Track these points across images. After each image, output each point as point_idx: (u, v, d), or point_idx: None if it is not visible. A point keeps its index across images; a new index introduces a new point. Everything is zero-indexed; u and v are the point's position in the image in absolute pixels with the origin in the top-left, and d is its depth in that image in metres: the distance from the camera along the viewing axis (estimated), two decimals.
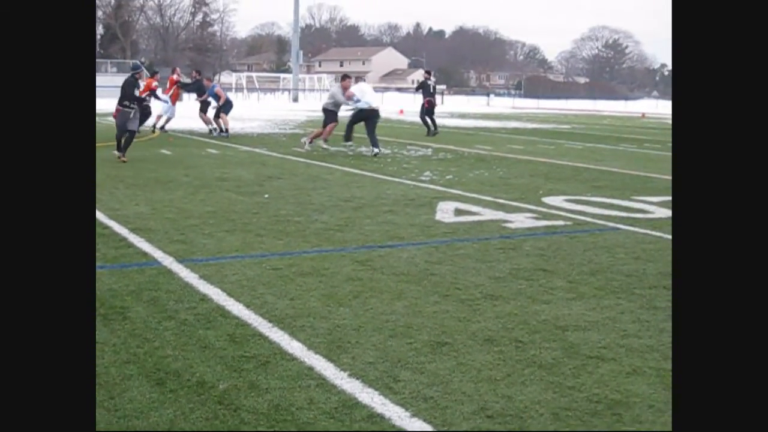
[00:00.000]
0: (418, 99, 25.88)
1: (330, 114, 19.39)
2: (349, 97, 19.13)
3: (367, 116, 19.26)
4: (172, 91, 24.51)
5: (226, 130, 23.64)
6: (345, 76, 19.88)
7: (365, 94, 19.36)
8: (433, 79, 27.18)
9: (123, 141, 15.85)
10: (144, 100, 16.66)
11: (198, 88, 24.46)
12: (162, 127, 24.37)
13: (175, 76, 24.91)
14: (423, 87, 26.37)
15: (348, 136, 19.75)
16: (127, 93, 15.89)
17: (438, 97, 33.56)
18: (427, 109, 25.75)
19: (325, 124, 19.44)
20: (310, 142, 19.63)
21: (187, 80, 25.83)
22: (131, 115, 15.88)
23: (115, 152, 15.72)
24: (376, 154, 18.39)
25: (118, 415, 3.93)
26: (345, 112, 20.02)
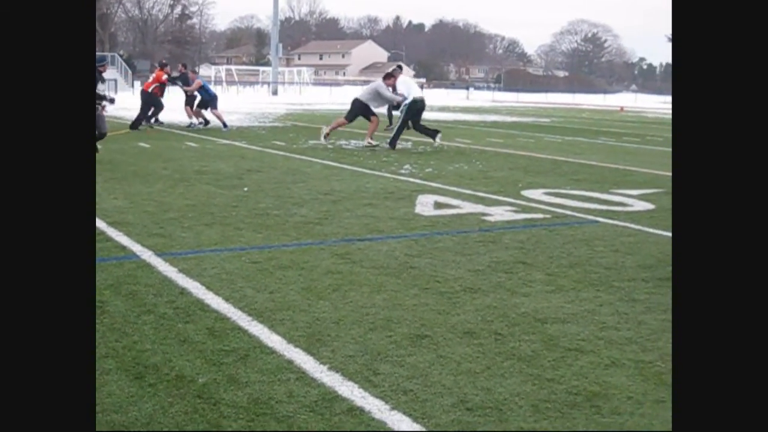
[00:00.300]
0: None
1: (356, 109, 18.62)
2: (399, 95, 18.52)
3: (419, 109, 18.84)
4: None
5: (225, 125, 23.54)
6: (390, 74, 18.95)
7: (411, 87, 18.90)
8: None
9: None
10: (104, 97, 15.35)
11: (184, 81, 24.48)
12: (156, 119, 24.53)
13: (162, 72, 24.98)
14: None
15: (426, 131, 19.03)
16: None
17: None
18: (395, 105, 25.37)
19: (347, 116, 18.72)
20: (371, 140, 18.81)
21: (175, 73, 25.77)
22: (98, 113, 14.39)
23: None
24: (437, 144, 18.34)
25: (96, 409, 3.90)
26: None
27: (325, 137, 18.65)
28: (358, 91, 20.44)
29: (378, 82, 18.87)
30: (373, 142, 18.49)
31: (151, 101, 23.62)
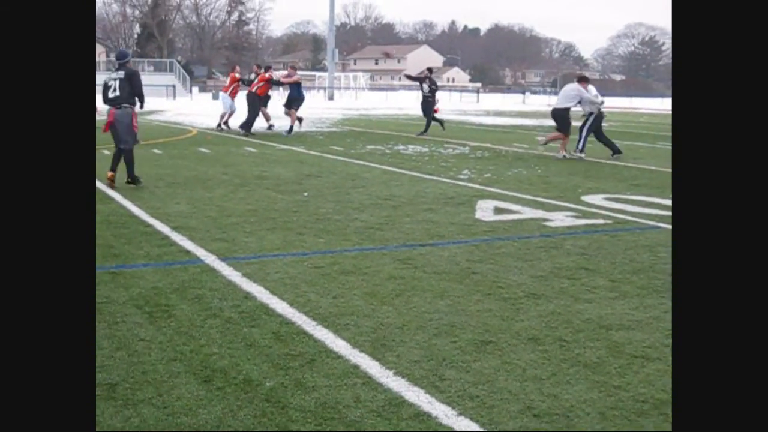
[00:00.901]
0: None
1: (563, 119, 18.49)
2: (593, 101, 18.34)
3: (602, 117, 18.74)
4: (232, 88, 25.01)
5: (297, 124, 23.86)
6: (584, 78, 18.82)
7: (597, 96, 18.69)
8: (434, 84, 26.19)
9: (120, 159, 11.83)
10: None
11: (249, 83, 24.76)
12: (226, 123, 25.10)
13: (236, 74, 25.37)
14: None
15: (609, 143, 19.01)
16: (137, 88, 11.76)
17: (472, 96, 32.94)
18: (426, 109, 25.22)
19: (562, 130, 18.58)
20: (565, 151, 18.68)
21: (248, 77, 26.09)
22: (129, 121, 11.77)
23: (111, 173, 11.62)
24: (617, 156, 18.18)
25: (166, 412, 3.97)
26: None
27: (565, 151, 18.31)
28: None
29: (578, 86, 18.35)
30: (569, 154, 18.37)
31: (253, 103, 23.60)
